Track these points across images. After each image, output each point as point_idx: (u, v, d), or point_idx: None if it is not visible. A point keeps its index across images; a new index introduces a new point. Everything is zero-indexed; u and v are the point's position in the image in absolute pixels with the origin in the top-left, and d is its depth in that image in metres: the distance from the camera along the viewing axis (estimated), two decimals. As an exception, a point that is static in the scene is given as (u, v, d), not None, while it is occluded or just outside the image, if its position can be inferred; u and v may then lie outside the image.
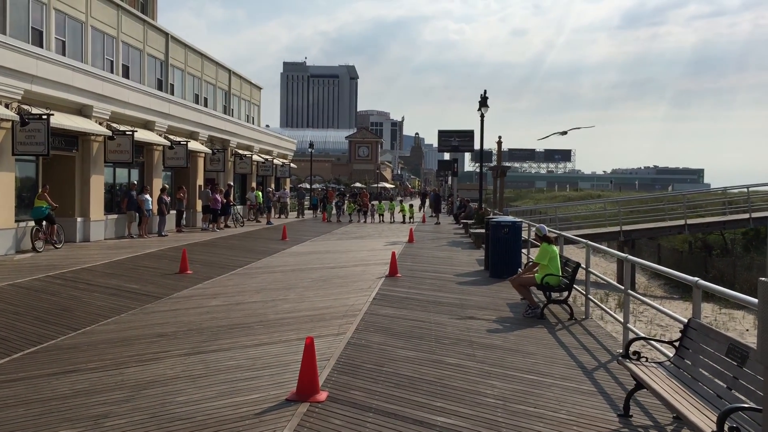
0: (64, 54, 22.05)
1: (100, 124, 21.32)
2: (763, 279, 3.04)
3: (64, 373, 6.92)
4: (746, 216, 29.62)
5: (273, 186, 42.38)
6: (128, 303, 11.00)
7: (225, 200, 28.15)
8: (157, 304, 11.07)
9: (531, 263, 11.64)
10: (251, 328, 9.15)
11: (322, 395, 6.09)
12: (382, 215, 38.45)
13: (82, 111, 20.62)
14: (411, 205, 41.15)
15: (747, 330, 16.83)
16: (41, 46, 20.72)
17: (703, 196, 38.84)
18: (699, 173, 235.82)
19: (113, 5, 26.13)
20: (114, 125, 22.17)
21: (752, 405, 4.25)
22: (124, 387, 6.41)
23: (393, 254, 15.41)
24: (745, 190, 31.05)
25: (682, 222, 29.96)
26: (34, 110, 17.77)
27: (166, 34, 31.40)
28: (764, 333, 3.02)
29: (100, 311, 10.27)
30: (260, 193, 35.28)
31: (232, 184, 32.80)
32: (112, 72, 25.10)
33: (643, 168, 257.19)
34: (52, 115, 17.79)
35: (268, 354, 7.74)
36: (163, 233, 23.93)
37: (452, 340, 8.61)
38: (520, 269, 13.56)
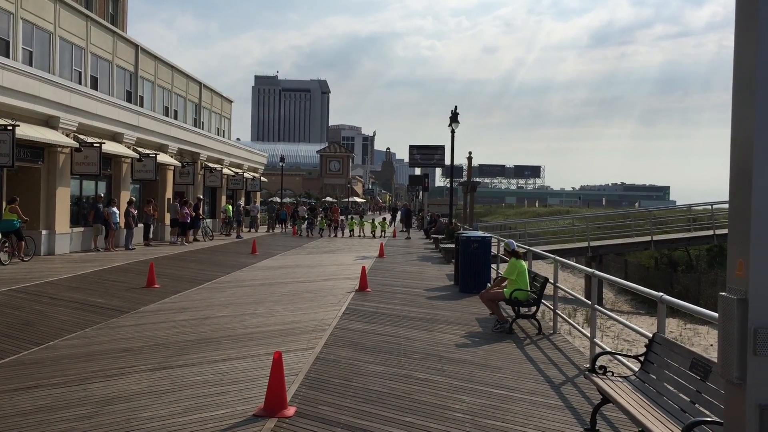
0: (31, 64, 21.73)
1: (67, 135, 21.03)
2: (723, 293, 3.10)
3: (26, 388, 6.77)
4: (710, 233, 30.23)
5: (243, 199, 42.12)
6: (93, 317, 10.81)
7: (194, 214, 27.89)
8: (123, 318, 10.90)
9: (500, 278, 11.72)
10: (219, 343, 9.05)
11: (290, 410, 6.05)
12: (353, 230, 38.42)
13: (49, 122, 20.33)
14: (384, 219, 41.14)
15: (711, 345, 17.09)
16: (8, 56, 20.40)
17: (668, 213, 39.52)
18: (665, 190, 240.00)
19: (82, 16, 25.86)
20: (81, 137, 21.89)
21: (715, 418, 4.32)
22: (87, 403, 6.29)
23: (363, 269, 15.41)
24: (710, 207, 31.68)
25: (648, 238, 30.45)
26: (0, 121, 17.47)
27: (135, 46, 31.13)
28: (725, 347, 3.08)
29: (64, 326, 10.08)
30: (230, 207, 35.07)
31: (201, 197, 32.56)
32: (80, 83, 24.79)
33: (610, 185, 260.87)
34: (18, 126, 17.51)
35: (235, 369, 7.66)
36: (130, 247, 23.61)
37: (421, 354, 8.62)
38: (489, 284, 13.64)
